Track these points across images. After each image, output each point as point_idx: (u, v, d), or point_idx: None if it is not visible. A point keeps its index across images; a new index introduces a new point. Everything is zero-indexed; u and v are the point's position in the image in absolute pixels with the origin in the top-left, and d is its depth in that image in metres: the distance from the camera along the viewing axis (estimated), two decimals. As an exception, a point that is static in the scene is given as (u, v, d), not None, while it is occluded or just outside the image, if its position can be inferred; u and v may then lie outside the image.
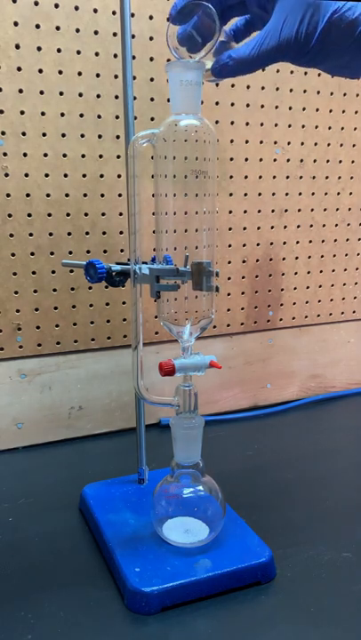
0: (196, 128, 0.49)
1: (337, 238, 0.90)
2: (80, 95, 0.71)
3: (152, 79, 0.74)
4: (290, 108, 0.82)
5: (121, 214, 0.76)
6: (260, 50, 0.42)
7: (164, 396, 0.53)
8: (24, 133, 0.70)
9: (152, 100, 0.74)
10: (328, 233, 0.89)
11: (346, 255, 0.91)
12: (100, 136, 0.73)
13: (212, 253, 0.51)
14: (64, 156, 0.72)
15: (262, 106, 0.80)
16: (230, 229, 0.83)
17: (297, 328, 0.91)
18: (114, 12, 0.70)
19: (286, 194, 0.85)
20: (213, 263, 0.50)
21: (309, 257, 0.89)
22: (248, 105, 0.79)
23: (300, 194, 0.86)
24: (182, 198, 0.50)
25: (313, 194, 0.86)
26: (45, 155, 0.71)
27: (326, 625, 0.47)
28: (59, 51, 0.69)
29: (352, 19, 0.40)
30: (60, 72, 0.70)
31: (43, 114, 0.70)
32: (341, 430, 0.83)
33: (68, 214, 0.74)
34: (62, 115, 0.71)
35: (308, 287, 0.90)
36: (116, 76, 0.72)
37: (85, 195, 0.74)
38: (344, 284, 0.93)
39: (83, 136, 0.72)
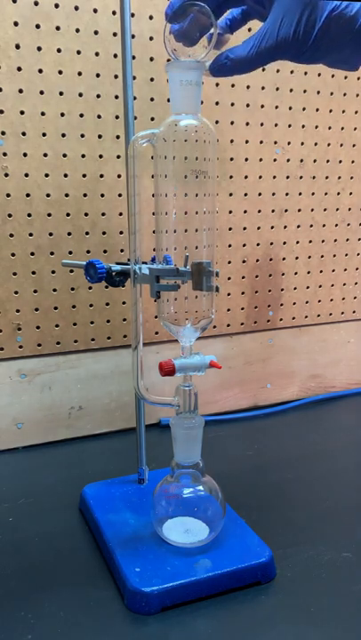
0: (196, 128, 0.49)
1: (337, 238, 0.90)
2: (80, 95, 0.71)
3: (152, 79, 0.74)
4: (290, 108, 0.82)
5: (121, 214, 0.76)
6: (259, 49, 0.42)
7: (164, 396, 0.53)
8: (24, 133, 0.70)
9: (152, 100, 0.74)
10: (328, 233, 0.89)
11: (346, 255, 0.91)
12: (100, 136, 0.73)
13: (212, 253, 0.51)
14: (64, 156, 0.72)
15: (262, 106, 0.80)
16: (230, 229, 0.83)
17: (297, 328, 0.91)
18: (114, 12, 0.70)
19: (286, 194, 0.85)
20: (213, 263, 0.50)
21: (309, 257, 0.89)
22: (248, 105, 0.79)
23: (300, 194, 0.86)
24: (182, 198, 0.50)
25: (313, 194, 0.86)
26: (45, 155, 0.71)
27: (326, 625, 0.47)
28: (59, 51, 0.69)
29: (351, 15, 0.40)
30: (60, 72, 0.70)
31: (43, 114, 0.70)
32: (341, 430, 0.83)
33: (68, 214, 0.74)
34: (62, 115, 0.71)
35: (308, 287, 0.90)
36: (116, 76, 0.72)
37: (85, 195, 0.74)
38: (344, 284, 0.93)
39: (83, 136, 0.72)
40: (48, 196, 0.72)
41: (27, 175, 0.71)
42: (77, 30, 0.69)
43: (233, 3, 0.47)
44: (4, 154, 0.70)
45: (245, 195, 0.82)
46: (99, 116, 0.72)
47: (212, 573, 0.50)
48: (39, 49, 0.68)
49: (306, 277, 0.90)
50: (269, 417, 0.88)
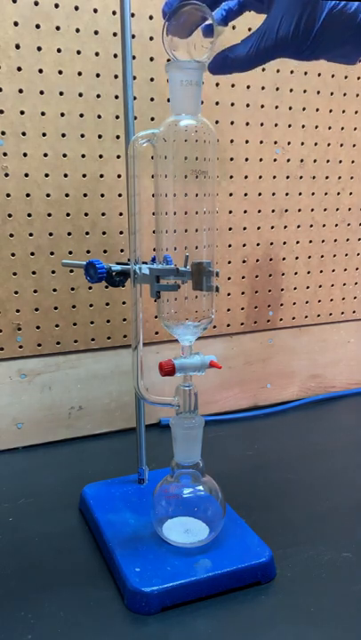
0: (196, 128, 0.49)
1: (337, 238, 0.90)
2: (80, 95, 0.71)
3: (152, 79, 0.74)
4: (290, 108, 0.82)
5: (121, 214, 0.76)
6: (258, 49, 0.42)
7: (164, 396, 0.53)
8: (24, 133, 0.70)
9: (152, 100, 0.74)
10: (328, 233, 0.89)
11: (346, 255, 0.91)
12: (100, 136, 0.73)
13: (212, 253, 0.51)
14: (64, 156, 0.72)
15: (262, 106, 0.80)
16: (230, 229, 0.83)
17: (297, 328, 0.91)
18: (114, 12, 0.70)
19: (286, 194, 0.85)
20: (213, 263, 0.50)
21: (309, 257, 0.89)
22: (248, 105, 0.79)
23: (300, 194, 0.86)
24: (182, 198, 0.50)
25: (313, 194, 0.86)
26: (45, 155, 0.71)
27: (326, 625, 0.47)
28: (59, 51, 0.69)
29: (351, 11, 0.40)
30: (60, 72, 0.70)
31: (43, 114, 0.70)
32: (341, 430, 0.83)
33: (68, 214, 0.74)
34: (62, 115, 0.71)
35: (308, 287, 0.90)
36: (116, 76, 0.72)
37: (85, 195, 0.74)
38: (344, 284, 0.93)
39: (83, 136, 0.72)
40: (48, 196, 0.72)
41: (27, 175, 0.71)
42: (77, 30, 0.69)
43: None
44: (4, 154, 0.70)
45: (245, 195, 0.82)
46: (99, 116, 0.72)
47: (212, 573, 0.50)
48: (39, 49, 0.68)
49: (306, 277, 0.90)
50: (269, 417, 0.88)
